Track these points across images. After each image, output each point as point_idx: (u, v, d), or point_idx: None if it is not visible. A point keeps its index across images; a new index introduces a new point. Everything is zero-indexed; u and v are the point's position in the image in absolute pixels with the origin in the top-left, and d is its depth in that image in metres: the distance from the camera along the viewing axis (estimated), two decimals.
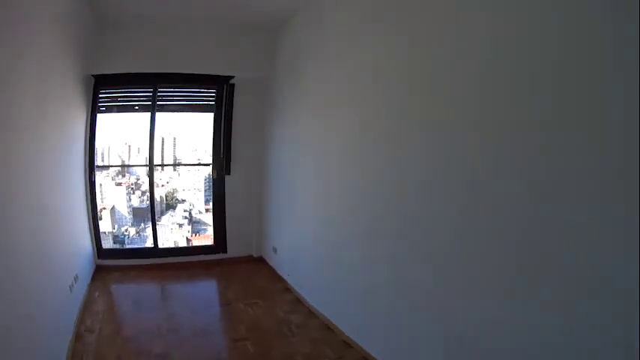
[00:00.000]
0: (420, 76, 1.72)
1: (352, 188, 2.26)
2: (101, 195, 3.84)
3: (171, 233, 4.37)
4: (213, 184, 3.71)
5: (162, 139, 4.00)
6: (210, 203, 3.86)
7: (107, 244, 3.70)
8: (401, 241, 1.83)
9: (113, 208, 4.00)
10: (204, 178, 4.24)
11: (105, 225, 3.85)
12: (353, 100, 2.25)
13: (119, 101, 3.66)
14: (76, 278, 2.55)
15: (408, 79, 1.80)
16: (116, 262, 3.57)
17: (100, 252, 3.53)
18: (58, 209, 2.43)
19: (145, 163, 3.77)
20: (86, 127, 3.32)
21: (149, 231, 3.91)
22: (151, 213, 3.63)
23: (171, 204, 4.43)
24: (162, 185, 4.33)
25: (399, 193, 1.85)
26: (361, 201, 2.14)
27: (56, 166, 2.45)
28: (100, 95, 3.43)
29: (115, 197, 4.14)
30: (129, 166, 4.21)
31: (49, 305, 1.94)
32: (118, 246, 4.01)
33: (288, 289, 3.06)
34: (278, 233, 3.41)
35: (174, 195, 4.44)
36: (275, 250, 3.42)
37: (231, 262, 3.70)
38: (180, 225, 4.48)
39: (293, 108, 3.11)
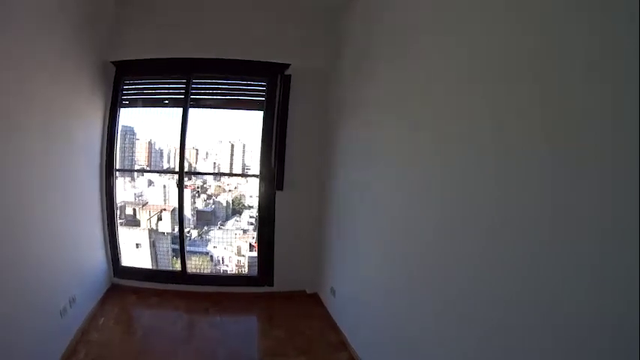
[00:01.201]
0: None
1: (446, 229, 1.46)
2: (165, 197, 3.79)
3: (235, 238, 4.18)
4: (259, 201, 3.02)
5: (232, 145, 3.45)
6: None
7: (164, 245, 3.48)
8: None
9: (174, 209, 3.81)
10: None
11: (164, 226, 3.81)
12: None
13: (145, 94, 3.15)
14: (72, 301, 2.32)
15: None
16: (135, 284, 3.15)
17: (116, 269, 3.14)
18: (52, 219, 2.19)
19: (172, 170, 3.46)
20: (104, 123, 2.93)
21: (212, 234, 3.86)
22: (179, 230, 3.20)
23: (237, 209, 4.28)
24: (230, 190, 4.24)
25: None
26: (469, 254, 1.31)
27: (50, 166, 2.17)
28: (124, 86, 3.02)
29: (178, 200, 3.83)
30: (161, 172, 3.86)
31: (24, 333, 1.79)
32: (176, 246, 3.79)
33: (343, 345, 2.40)
34: (339, 271, 2.68)
35: (241, 200, 4.26)
36: (333, 291, 2.70)
37: (277, 297, 3.05)
38: (245, 231, 4.29)
39: (363, 110, 2.36)
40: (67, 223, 2.39)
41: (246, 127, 3.40)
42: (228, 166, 3.82)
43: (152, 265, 3.47)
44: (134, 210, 3.45)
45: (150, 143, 3.38)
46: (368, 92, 2.23)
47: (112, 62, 2.77)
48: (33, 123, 1.95)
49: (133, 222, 3.47)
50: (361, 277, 2.23)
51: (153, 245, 3.33)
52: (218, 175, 3.89)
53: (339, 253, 2.62)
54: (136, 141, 3.33)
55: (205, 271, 3.61)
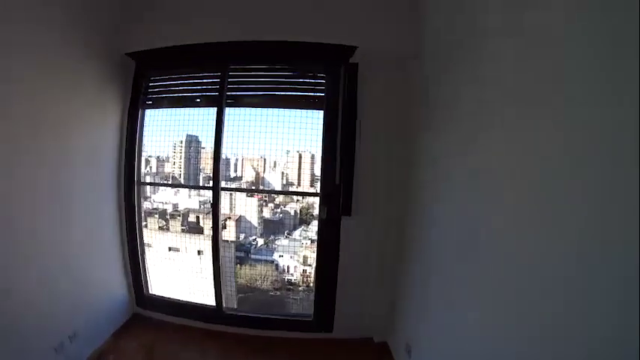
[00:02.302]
0: None
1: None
2: (231, 204, 3.71)
3: (302, 248, 4.08)
4: (319, 227, 2.56)
5: (300, 155, 3.30)
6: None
7: (227, 253, 3.37)
8: None
9: (239, 218, 3.87)
10: None
11: (229, 234, 3.72)
12: None
13: (170, 92, 2.77)
14: (72, 338, 2.19)
15: None
16: (162, 317, 2.85)
17: (140, 297, 2.85)
18: (49, 240, 2.05)
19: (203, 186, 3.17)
20: (122, 128, 2.67)
21: (279, 243, 3.71)
22: (213, 264, 2.82)
23: (305, 219, 4.16)
24: (297, 200, 4.13)
25: None
26: None
27: (44, 177, 2.01)
28: (150, 83, 2.71)
29: (245, 208, 3.96)
30: (192, 187, 3.65)
31: None
32: (241, 254, 3.92)
33: None
34: (419, 325, 2.11)
35: (309, 210, 4.10)
36: (408, 350, 2.17)
37: (337, 346, 2.57)
38: (313, 240, 4.01)
39: (466, 112, 1.70)
40: (67, 245, 2.24)
41: (307, 130, 2.77)
42: (297, 178, 3.46)
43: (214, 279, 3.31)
44: (197, 218, 3.38)
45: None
46: (468, 94, 1.64)
47: (129, 54, 2.47)
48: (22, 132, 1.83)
49: (196, 229, 3.40)
50: (458, 340, 1.65)
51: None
52: (267, 192, 3.74)
53: (421, 302, 2.08)
54: (202, 150, 3.14)
55: (249, 311, 3.13)
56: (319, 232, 2.54)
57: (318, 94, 2.44)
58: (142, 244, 2.84)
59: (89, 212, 2.47)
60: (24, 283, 1.91)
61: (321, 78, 2.37)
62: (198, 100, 2.71)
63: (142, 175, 2.84)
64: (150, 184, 3.08)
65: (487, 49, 1.43)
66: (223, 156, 2.94)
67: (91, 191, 2.47)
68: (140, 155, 2.77)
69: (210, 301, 2.87)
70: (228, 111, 2.61)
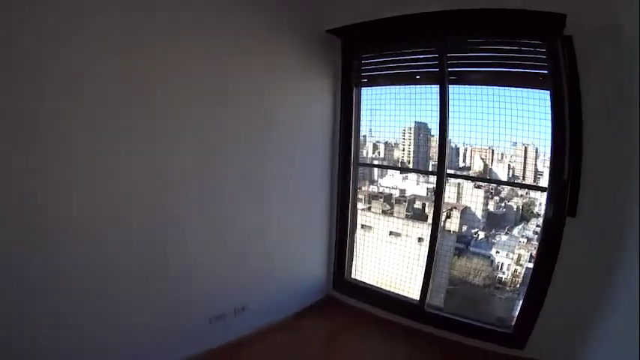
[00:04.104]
0: None
1: None
2: (458, 194, 3.75)
3: (518, 246, 3.83)
4: (543, 226, 2.42)
5: (526, 147, 3.11)
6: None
7: (448, 242, 3.57)
8: None
9: (465, 209, 3.92)
10: None
11: (453, 224, 3.84)
12: None
13: (386, 69, 2.77)
14: (237, 310, 2.45)
15: None
16: (357, 304, 2.92)
17: (338, 280, 2.96)
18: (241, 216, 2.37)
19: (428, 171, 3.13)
20: (335, 108, 2.82)
21: (498, 238, 3.70)
22: (428, 254, 2.83)
23: (525, 216, 3.96)
24: (521, 195, 3.91)
25: None
26: None
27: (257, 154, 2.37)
28: (362, 60, 2.75)
29: (471, 199, 3.87)
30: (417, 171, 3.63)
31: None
32: (461, 245, 3.97)
33: None
34: None
35: (530, 207, 3.91)
36: None
37: None
38: (529, 239, 3.91)
39: None
40: (266, 217, 2.51)
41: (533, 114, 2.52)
42: (521, 171, 3.24)
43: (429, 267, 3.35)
44: (423, 205, 3.50)
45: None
46: None
47: (331, 31, 2.57)
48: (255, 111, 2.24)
49: (420, 217, 3.53)
50: None
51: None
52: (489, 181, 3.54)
53: None
54: (430, 137, 3.22)
55: (447, 311, 2.95)
56: (542, 232, 2.46)
57: (540, 71, 2.31)
58: (354, 226, 2.95)
59: (301, 191, 2.78)
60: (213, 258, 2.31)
61: (541, 53, 2.26)
62: (417, 77, 2.74)
63: (366, 157, 2.91)
64: (367, 165, 3.25)
65: None
66: (452, 144, 2.90)
67: (305, 170, 2.78)
68: (357, 135, 2.88)
69: (413, 294, 2.95)
70: (452, 89, 2.59)
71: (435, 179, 2.86)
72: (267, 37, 2.39)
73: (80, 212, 1.81)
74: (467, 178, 3.48)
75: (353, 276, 3.14)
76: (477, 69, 2.55)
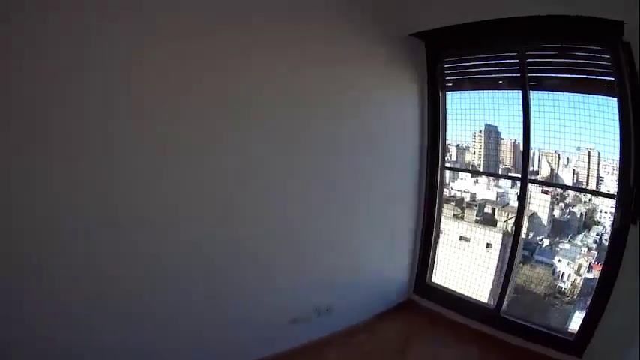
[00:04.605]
0: None
1: None
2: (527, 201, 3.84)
3: (579, 255, 3.74)
4: (611, 234, 2.39)
5: (589, 151, 3.06)
6: None
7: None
8: None
9: (532, 215, 3.93)
10: None
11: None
12: None
13: (468, 73, 2.82)
14: (320, 311, 2.46)
15: None
16: (434, 307, 2.92)
17: (419, 284, 2.97)
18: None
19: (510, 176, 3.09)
20: (423, 111, 2.83)
21: (561, 246, 3.68)
22: (510, 255, 2.78)
23: (588, 223, 3.88)
24: (584, 202, 3.85)
25: None
26: None
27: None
28: (444, 64, 2.76)
29: (537, 205, 3.87)
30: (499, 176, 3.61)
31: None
32: (526, 252, 3.94)
33: None
34: None
35: (592, 215, 3.84)
36: None
37: None
38: (589, 248, 3.83)
39: None
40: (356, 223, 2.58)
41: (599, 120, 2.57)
42: (585, 177, 3.25)
43: (495, 272, 3.25)
44: (493, 210, 3.45)
45: (514, 144, 3.22)
46: None
47: (415, 35, 2.61)
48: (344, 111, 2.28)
49: (490, 222, 3.48)
50: None
51: (503, 248, 3.20)
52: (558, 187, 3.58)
53: None
54: (500, 141, 3.22)
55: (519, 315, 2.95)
56: (610, 240, 2.42)
57: (607, 77, 2.33)
58: (438, 231, 2.92)
59: (387, 193, 2.76)
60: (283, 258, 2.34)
61: (605, 60, 2.30)
62: (500, 81, 2.77)
63: (445, 161, 2.91)
64: (453, 169, 3.21)
65: None
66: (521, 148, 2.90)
67: (392, 172, 2.80)
68: (444, 140, 2.88)
69: (488, 300, 2.73)
70: (532, 95, 2.59)
71: (519, 185, 2.90)
72: (353, 41, 2.45)
73: (164, 214, 1.90)
74: (548, 184, 3.48)
75: (433, 280, 3.21)
76: (551, 75, 2.59)
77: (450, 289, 3.03)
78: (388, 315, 2.81)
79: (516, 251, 2.82)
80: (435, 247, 3.03)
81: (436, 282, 3.07)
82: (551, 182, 3.51)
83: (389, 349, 2.44)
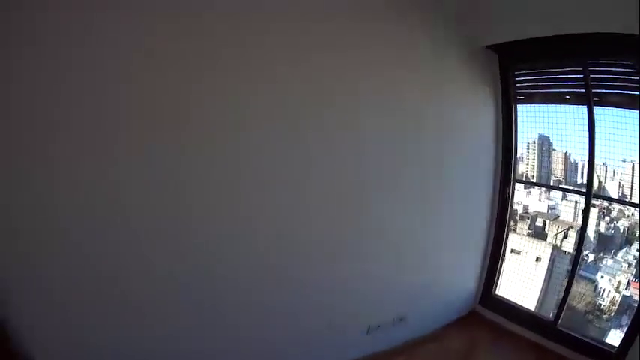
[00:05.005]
0: None
1: None
2: (575, 213, 3.64)
3: (620, 271, 3.67)
4: None
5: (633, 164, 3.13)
6: None
7: (561, 265, 3.51)
8: None
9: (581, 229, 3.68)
10: None
11: (568, 245, 3.75)
12: None
13: (537, 87, 2.85)
14: (396, 321, 2.48)
15: None
16: (496, 318, 2.92)
17: (486, 296, 3.01)
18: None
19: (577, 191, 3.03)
20: (497, 124, 2.84)
21: (605, 261, 3.60)
22: (571, 269, 2.81)
23: (630, 238, 3.82)
24: (628, 216, 3.80)
25: None
26: None
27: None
28: (515, 77, 2.80)
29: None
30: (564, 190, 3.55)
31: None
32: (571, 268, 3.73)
33: None
34: None
35: (634, 230, 3.77)
36: None
37: None
38: (630, 265, 3.76)
39: None
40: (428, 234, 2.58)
41: None
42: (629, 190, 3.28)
43: (540, 289, 3.21)
44: (544, 223, 3.39)
45: (566, 156, 3.20)
46: None
47: (490, 47, 2.66)
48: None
49: (540, 235, 3.43)
50: None
51: (552, 262, 3.15)
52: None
53: None
54: (552, 152, 3.20)
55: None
56: None
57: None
58: (506, 243, 2.87)
59: (460, 203, 2.77)
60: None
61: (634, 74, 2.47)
62: (567, 96, 2.82)
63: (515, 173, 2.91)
64: (524, 182, 3.16)
65: None
66: (572, 159, 2.90)
67: (465, 184, 2.79)
68: (516, 152, 2.83)
69: (548, 313, 3.00)
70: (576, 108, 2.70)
71: (584, 200, 2.93)
72: (428, 49, 2.47)
73: (235, 223, 1.94)
74: (612, 200, 3.46)
75: (498, 292, 3.25)
76: (609, 91, 2.60)
77: (511, 301, 3.05)
78: (454, 326, 2.87)
79: (577, 265, 2.84)
80: (503, 260, 3.06)
81: (499, 294, 3.11)
82: (617, 199, 3.37)
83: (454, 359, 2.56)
